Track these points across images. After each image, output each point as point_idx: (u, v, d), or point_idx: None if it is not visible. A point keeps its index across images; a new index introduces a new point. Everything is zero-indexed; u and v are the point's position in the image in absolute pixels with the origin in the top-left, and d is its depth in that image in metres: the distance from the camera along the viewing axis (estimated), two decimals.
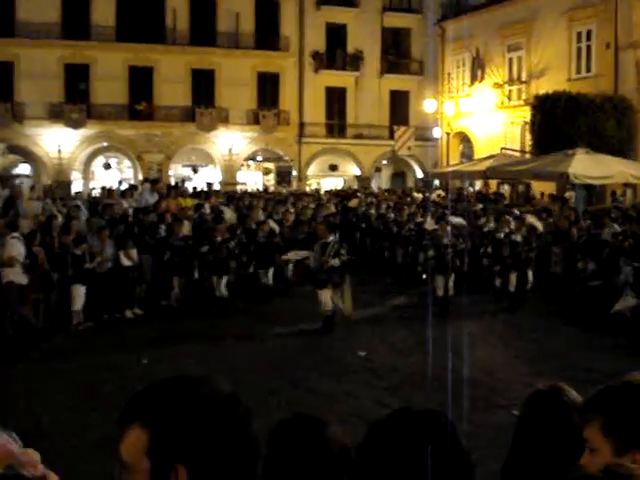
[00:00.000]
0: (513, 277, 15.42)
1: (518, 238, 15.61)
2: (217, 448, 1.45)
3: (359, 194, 28.52)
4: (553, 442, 2.36)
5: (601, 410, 1.94)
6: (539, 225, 17.40)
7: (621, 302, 13.35)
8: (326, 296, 12.94)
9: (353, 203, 25.37)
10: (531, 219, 17.49)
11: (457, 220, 17.43)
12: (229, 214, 18.14)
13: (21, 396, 9.33)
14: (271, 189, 36.55)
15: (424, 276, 16.64)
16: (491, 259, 16.35)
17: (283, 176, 40.10)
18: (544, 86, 28.11)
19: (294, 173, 39.72)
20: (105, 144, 36.61)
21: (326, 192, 33.29)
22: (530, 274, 15.61)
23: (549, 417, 2.41)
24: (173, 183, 29.10)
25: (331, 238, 13.25)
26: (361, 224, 23.00)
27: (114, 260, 14.06)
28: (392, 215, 21.21)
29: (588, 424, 1.97)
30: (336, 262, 12.95)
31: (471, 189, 30.46)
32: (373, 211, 22.97)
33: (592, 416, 1.96)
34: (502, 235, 16.06)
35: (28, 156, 35.94)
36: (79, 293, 13.24)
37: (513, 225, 16.23)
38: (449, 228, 15.48)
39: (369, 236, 22.35)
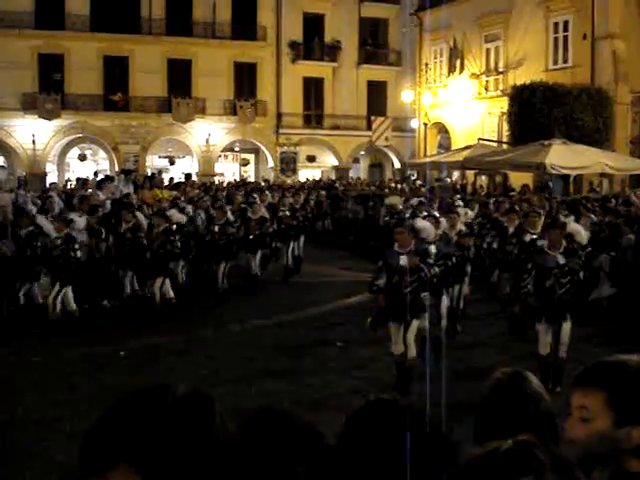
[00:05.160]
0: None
1: (559, 259, 9.07)
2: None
3: (398, 187, 25.83)
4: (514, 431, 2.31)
5: (603, 385, 1.95)
6: (583, 234, 10.36)
7: (598, 291, 13.43)
8: None
9: (393, 200, 19.49)
10: (573, 224, 10.87)
11: (423, 224, 10.14)
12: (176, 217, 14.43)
13: None
14: (249, 179, 36.24)
15: None
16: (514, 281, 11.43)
17: (287, 163, 38.60)
18: (521, 77, 28.19)
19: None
20: (80, 135, 36.21)
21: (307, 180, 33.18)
22: (569, 323, 9.11)
23: (509, 407, 2.33)
24: (149, 174, 28.79)
25: None
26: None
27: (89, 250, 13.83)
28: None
29: (587, 395, 1.96)
30: None
31: (448, 180, 30.52)
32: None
33: (592, 390, 1.96)
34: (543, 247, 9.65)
35: (1, 148, 35.48)
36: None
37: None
38: (413, 241, 9.19)
39: None
